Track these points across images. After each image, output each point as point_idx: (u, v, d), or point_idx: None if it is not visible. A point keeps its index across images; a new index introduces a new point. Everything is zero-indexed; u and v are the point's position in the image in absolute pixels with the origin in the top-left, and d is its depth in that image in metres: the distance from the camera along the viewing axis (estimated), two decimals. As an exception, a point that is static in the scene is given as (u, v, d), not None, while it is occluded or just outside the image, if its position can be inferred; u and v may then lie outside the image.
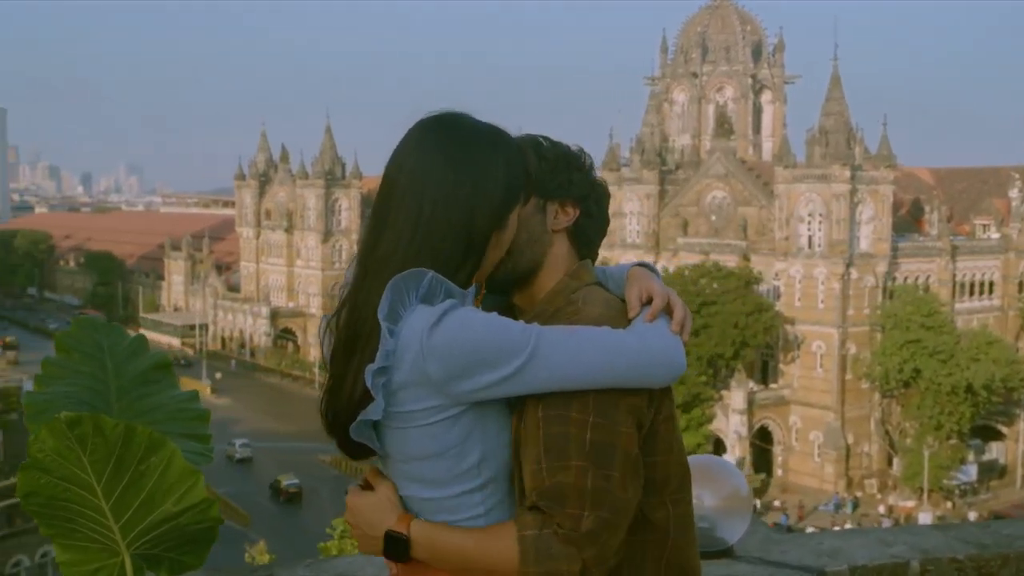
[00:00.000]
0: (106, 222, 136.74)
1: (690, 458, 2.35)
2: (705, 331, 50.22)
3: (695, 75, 69.07)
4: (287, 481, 47.44)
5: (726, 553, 2.79)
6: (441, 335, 1.62)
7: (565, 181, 1.90)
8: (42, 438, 1.86)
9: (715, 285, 52.36)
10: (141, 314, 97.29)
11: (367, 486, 1.79)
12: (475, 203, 1.72)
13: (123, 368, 2.30)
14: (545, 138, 1.95)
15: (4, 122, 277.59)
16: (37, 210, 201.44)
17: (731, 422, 51.32)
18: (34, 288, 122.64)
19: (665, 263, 59.26)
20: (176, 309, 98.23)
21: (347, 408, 1.71)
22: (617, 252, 60.63)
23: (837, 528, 41.08)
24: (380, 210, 1.75)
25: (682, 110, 69.83)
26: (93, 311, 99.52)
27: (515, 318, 1.90)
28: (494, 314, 1.69)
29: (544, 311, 1.84)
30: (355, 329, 1.71)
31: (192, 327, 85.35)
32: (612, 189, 51.03)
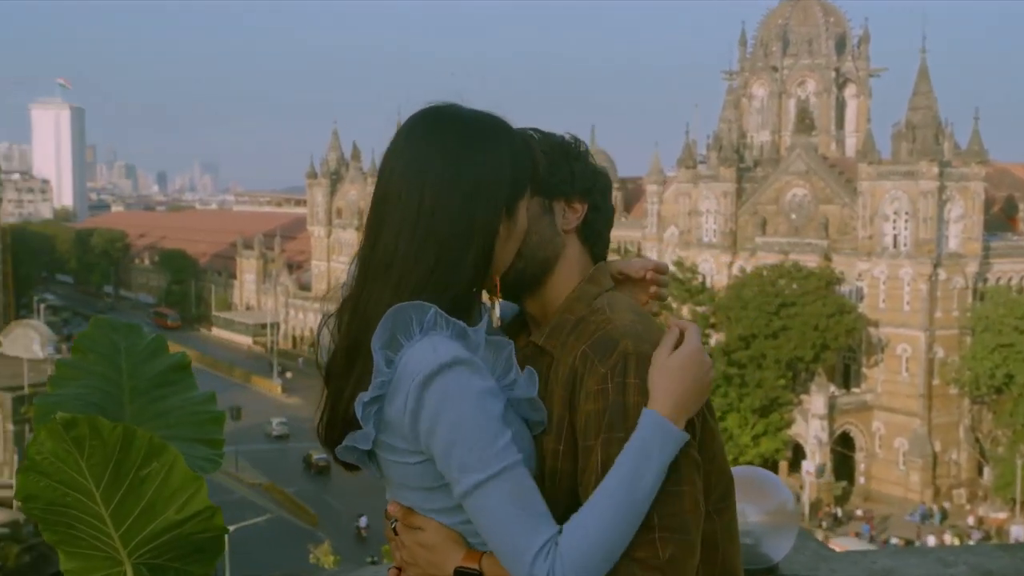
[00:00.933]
0: (180, 221, 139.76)
1: (734, 470, 2.28)
2: (784, 333, 49.42)
3: (775, 69, 67.99)
4: (317, 455, 50.88)
5: (771, 571, 2.69)
6: (428, 396, 1.54)
7: (567, 175, 1.81)
8: (40, 440, 1.83)
9: (795, 286, 51.42)
10: (214, 312, 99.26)
11: (407, 522, 1.70)
12: (479, 190, 1.63)
13: (139, 369, 2.28)
14: (535, 130, 1.85)
15: (82, 121, 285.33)
16: (113, 209, 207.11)
17: (811, 427, 50.43)
18: (110, 286, 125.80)
19: (743, 263, 58.59)
20: (248, 308, 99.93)
21: (341, 423, 1.66)
22: (694, 252, 60.14)
23: (934, 541, 40.09)
24: (376, 209, 1.68)
25: (761, 105, 68.79)
26: (167, 310, 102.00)
27: (528, 329, 1.83)
28: (492, 410, 1.55)
29: (565, 321, 1.74)
30: (356, 338, 1.65)
31: (264, 326, 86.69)
32: (688, 187, 50.61)
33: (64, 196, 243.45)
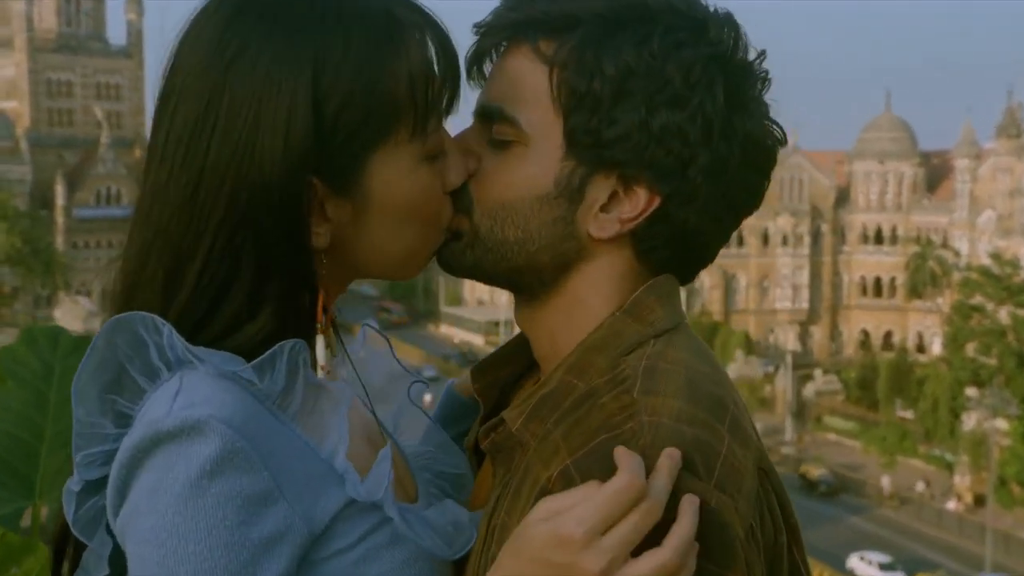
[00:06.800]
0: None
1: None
2: None
3: None
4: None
5: None
6: (137, 482, 1.05)
7: (634, 125, 1.10)
8: None
9: None
10: (442, 308, 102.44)
11: None
12: (262, 146, 1.09)
13: (69, 406, 1.85)
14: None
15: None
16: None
17: None
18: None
19: (1082, 258, 55.31)
20: (480, 303, 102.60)
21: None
22: (1016, 241, 57.69)
23: None
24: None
25: (1110, 57, 64.32)
26: (391, 304, 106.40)
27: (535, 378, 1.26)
28: (234, 534, 1.01)
29: (565, 390, 1.11)
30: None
31: (496, 323, 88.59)
32: (1010, 161, 47.85)
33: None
